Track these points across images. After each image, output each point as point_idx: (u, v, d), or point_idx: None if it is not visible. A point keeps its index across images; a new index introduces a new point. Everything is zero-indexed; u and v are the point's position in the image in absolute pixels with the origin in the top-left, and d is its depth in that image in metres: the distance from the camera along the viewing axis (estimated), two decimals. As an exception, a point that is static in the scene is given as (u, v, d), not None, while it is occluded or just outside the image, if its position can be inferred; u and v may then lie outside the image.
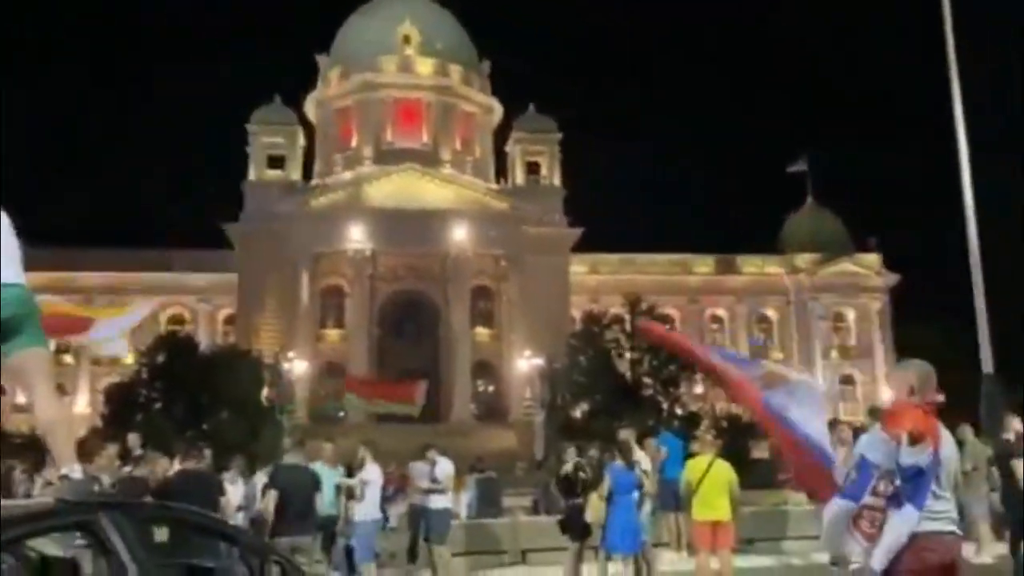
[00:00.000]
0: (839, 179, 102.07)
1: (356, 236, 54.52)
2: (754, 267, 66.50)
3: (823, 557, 11.71)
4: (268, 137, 59.77)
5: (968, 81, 16.60)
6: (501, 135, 65.16)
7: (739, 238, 69.06)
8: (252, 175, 59.33)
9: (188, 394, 41.69)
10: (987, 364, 15.01)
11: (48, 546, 4.19)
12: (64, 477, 3.94)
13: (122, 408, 41.68)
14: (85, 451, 10.90)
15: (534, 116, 62.19)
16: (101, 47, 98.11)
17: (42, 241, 46.27)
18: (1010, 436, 11.78)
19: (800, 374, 6.13)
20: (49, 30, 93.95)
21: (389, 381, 46.45)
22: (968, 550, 13.21)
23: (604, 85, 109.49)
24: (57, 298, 53.90)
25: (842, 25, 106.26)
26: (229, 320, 59.67)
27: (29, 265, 3.86)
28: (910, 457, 4.62)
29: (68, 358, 56.65)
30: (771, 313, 66.32)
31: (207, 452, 9.89)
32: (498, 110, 65.76)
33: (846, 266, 65.52)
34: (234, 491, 12.26)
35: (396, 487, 17.89)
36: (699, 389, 53.42)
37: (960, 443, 13.97)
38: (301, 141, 61.47)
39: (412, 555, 14.66)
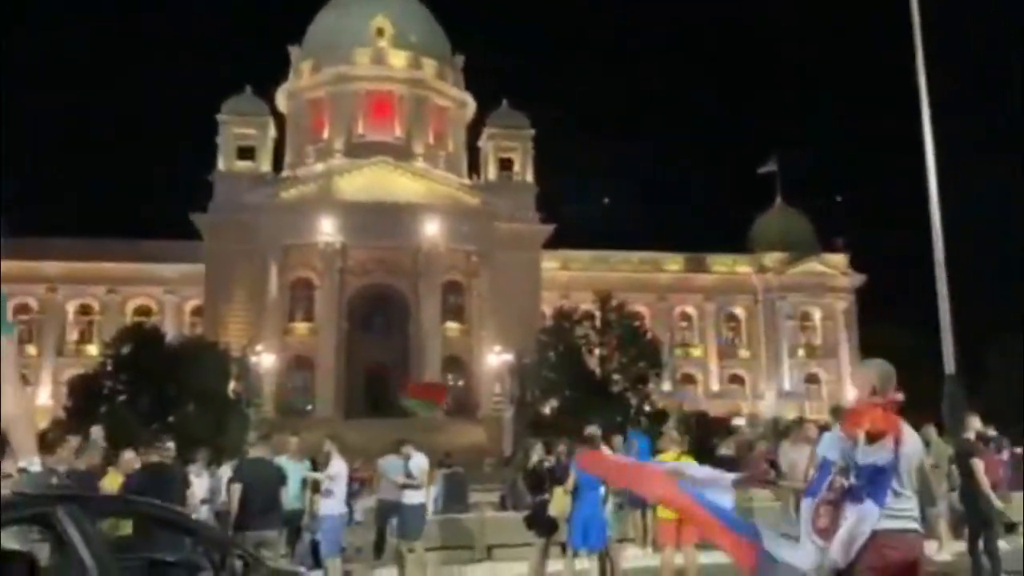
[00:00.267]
0: (808, 180, 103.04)
1: (326, 229, 54.19)
2: (723, 266, 67.02)
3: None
4: (239, 128, 59.20)
5: (936, 84, 16.82)
6: (474, 130, 65.07)
7: (709, 237, 69.48)
8: (222, 165, 58.75)
9: (154, 386, 41.25)
10: (949, 365, 15.22)
11: (5, 539, 4.12)
12: (23, 470, 3.88)
13: (86, 400, 41.12)
14: (46, 443, 10.76)
15: (507, 112, 62.15)
16: (72, 36, 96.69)
17: (6, 230, 45.56)
18: (970, 435, 11.98)
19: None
20: (17, 16, 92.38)
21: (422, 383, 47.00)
22: (929, 548, 13.44)
23: (577, 82, 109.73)
24: (20, 287, 53.29)
25: (813, 26, 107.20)
26: (196, 312, 59.09)
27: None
28: (868, 455, 4.67)
29: (31, 348, 55.88)
30: (739, 311, 66.88)
31: (171, 445, 9.77)
32: (471, 105, 65.63)
33: (813, 266, 66.26)
34: (199, 484, 12.16)
35: (361, 482, 17.83)
36: (667, 387, 53.80)
37: (926, 443, 14.21)
38: (272, 132, 60.97)
39: (378, 550, 14.63)
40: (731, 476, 6.02)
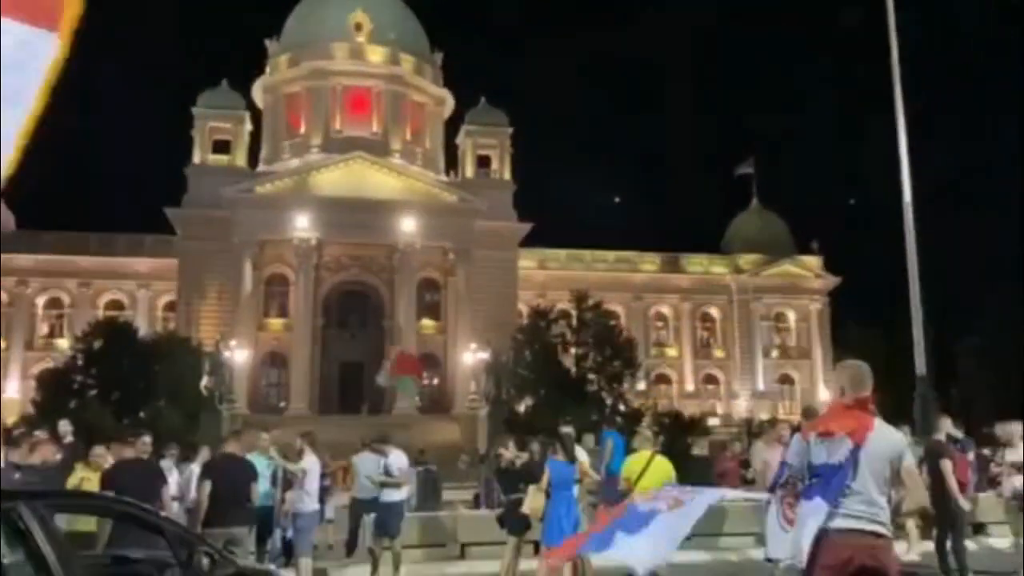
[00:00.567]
0: (784, 182, 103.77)
1: (302, 224, 53.84)
2: (699, 266, 67.34)
3: (759, 553, 11.88)
4: (214, 121, 58.64)
5: (911, 86, 16.98)
6: (452, 127, 64.93)
7: (685, 237, 69.82)
8: (197, 159, 58.18)
9: (125, 381, 40.82)
10: (921, 367, 15.38)
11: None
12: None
13: (55, 395, 40.63)
14: (13, 439, 10.59)
15: (485, 109, 62.03)
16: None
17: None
18: (941, 437, 12.11)
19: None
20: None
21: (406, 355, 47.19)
22: (898, 548, 13.56)
23: (555, 81, 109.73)
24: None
25: (790, 28, 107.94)
26: (169, 307, 58.54)
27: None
28: (822, 455, 4.68)
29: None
30: (714, 312, 67.22)
31: (148, 439, 9.61)
32: (449, 102, 65.45)
33: (788, 268, 66.75)
34: (170, 481, 12.01)
35: (332, 479, 17.74)
36: (642, 386, 53.98)
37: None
38: (248, 127, 60.45)
39: (350, 548, 14.56)
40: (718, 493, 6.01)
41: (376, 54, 61.47)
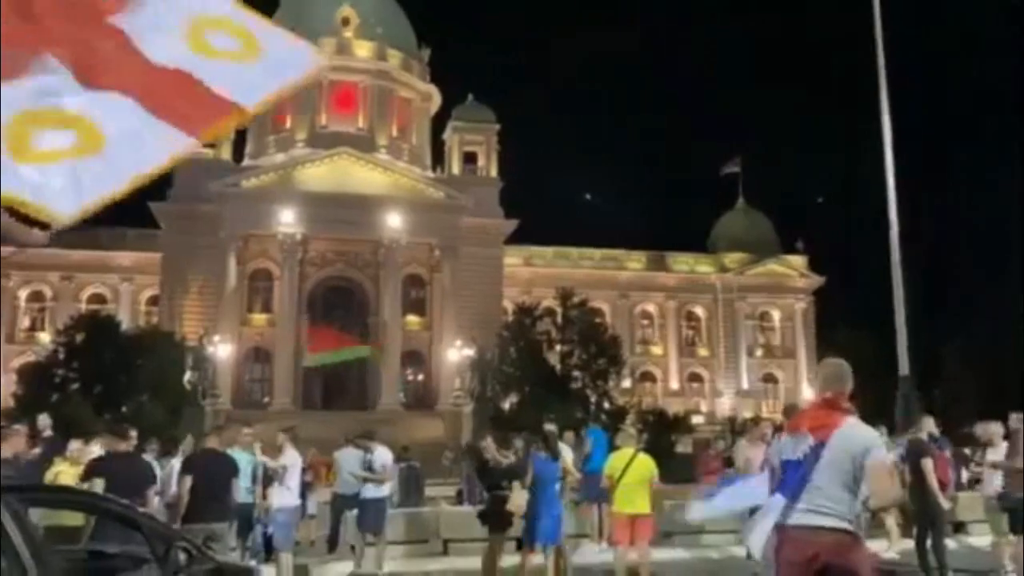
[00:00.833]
0: (770, 181, 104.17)
1: (286, 219, 53.60)
2: (684, 265, 67.48)
3: (740, 551, 11.91)
4: (199, 115, 58.26)
5: (895, 86, 17.05)
6: (439, 124, 64.78)
7: (671, 236, 69.91)
8: (181, 153, 57.79)
9: (107, 376, 40.54)
10: (904, 367, 15.45)
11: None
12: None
13: (36, 388, 40.29)
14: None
15: (472, 106, 61.92)
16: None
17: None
18: (923, 436, 12.16)
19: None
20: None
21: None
22: (878, 546, 13.62)
23: (543, 79, 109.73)
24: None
25: (775, 27, 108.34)
26: (153, 301, 58.16)
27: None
28: (787, 451, 4.72)
29: (-20, 335, 54.70)
30: (699, 311, 67.38)
31: (134, 433, 9.50)
32: (436, 98, 65.31)
33: (773, 267, 67.00)
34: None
35: (314, 474, 17.69)
36: (627, 384, 54.07)
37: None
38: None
39: (332, 544, 14.51)
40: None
41: (363, 49, 61.26)
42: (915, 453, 11.42)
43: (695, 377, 66.51)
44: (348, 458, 13.62)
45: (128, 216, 57.38)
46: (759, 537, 4.73)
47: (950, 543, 12.10)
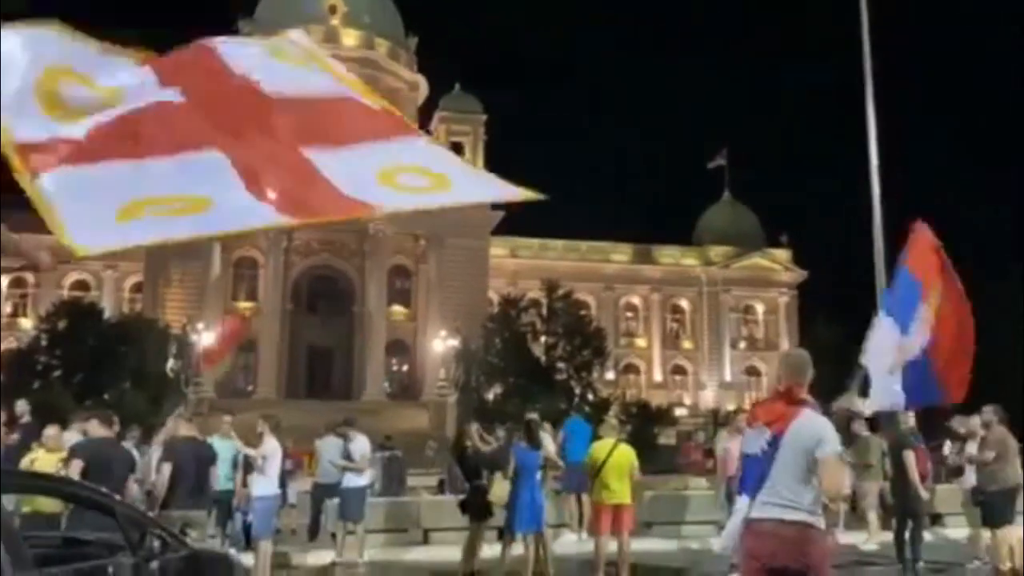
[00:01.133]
0: (756, 175, 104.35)
1: (272, 208, 53.32)
2: (670, 258, 67.62)
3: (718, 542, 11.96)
4: (185, 101, 57.88)
5: (881, 80, 17.10)
6: (427, 113, 64.58)
7: (656, 229, 70.08)
8: (166, 140, 57.41)
9: (90, 363, 40.30)
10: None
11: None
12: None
13: (17, 375, 39.97)
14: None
15: (460, 96, 61.75)
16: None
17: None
18: (904, 429, 12.26)
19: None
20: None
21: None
22: (857, 538, 13.73)
23: (530, 70, 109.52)
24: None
25: (763, 20, 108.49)
26: (136, 288, 57.83)
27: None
28: (749, 444, 4.71)
29: (-39, 321, 54.26)
30: (684, 303, 67.57)
31: (116, 419, 9.42)
32: (424, 87, 65.08)
33: (757, 260, 67.24)
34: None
35: (295, 463, 17.64)
36: (611, 376, 54.20)
37: (854, 437, 14.50)
38: (220, 107, 59.72)
39: (313, 532, 14.49)
40: None
41: (350, 37, 60.96)
42: (896, 446, 11.51)
43: (679, 369, 66.73)
44: (329, 447, 13.59)
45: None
46: (728, 536, 4.69)
47: (927, 535, 12.21)
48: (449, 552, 11.80)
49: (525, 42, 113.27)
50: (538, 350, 47.19)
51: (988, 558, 10.97)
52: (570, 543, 13.43)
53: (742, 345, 66.87)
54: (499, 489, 10.58)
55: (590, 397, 45.41)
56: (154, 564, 5.08)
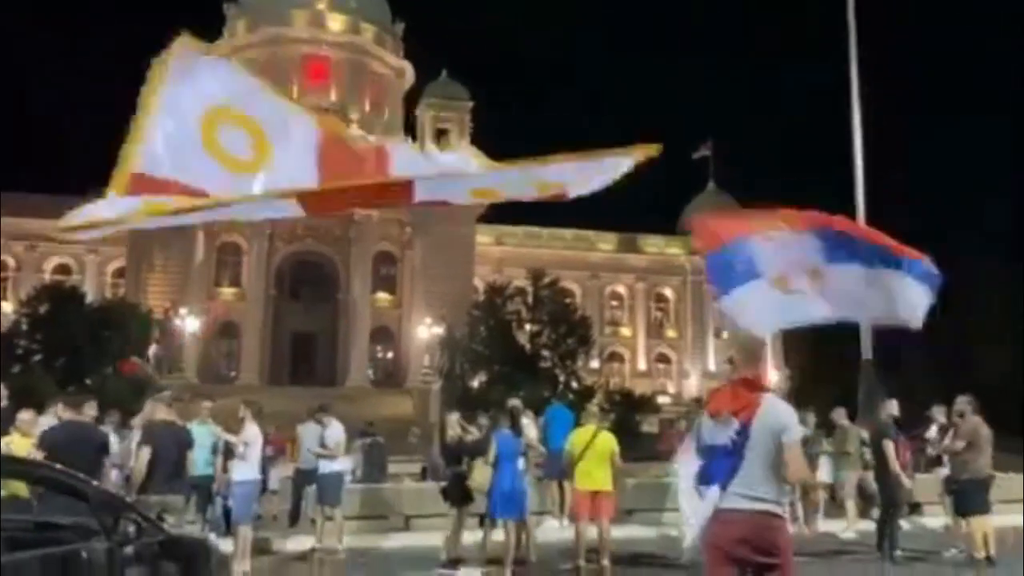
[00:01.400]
0: (740, 165, 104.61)
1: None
2: (655, 247, 67.78)
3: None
4: (169, 86, 57.35)
5: (866, 71, 17.09)
6: (413, 100, 64.30)
7: (642, 218, 70.09)
8: (150, 123, 56.92)
9: (71, 347, 40.02)
10: (867, 351, 15.57)
11: None
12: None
13: (-2, 359, 39.66)
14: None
15: (446, 82, 61.52)
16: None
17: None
18: (885, 419, 12.32)
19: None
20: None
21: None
22: (836, 526, 13.81)
23: (517, 58, 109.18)
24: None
25: (749, 9, 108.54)
26: (119, 273, 57.46)
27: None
28: (712, 435, 4.58)
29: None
30: (669, 292, 67.77)
31: (93, 403, 9.33)
32: (410, 73, 64.79)
33: (743, 250, 67.39)
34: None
35: (277, 449, 17.59)
36: (595, 364, 54.29)
37: (834, 426, 14.56)
38: (204, 92, 59.22)
39: (294, 518, 14.47)
40: None
41: (336, 22, 60.59)
42: (877, 436, 11.56)
43: (663, 358, 66.96)
44: (309, 433, 13.55)
45: (94, 185, 56.60)
46: (694, 527, 4.62)
47: (904, 524, 12.30)
48: (430, 538, 11.78)
49: (511, 30, 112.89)
50: (523, 338, 47.20)
51: (964, 546, 11.06)
52: (552, 529, 13.45)
53: (725, 334, 67.07)
54: (480, 475, 10.55)
55: (574, 385, 45.48)
56: (129, 549, 5.03)
